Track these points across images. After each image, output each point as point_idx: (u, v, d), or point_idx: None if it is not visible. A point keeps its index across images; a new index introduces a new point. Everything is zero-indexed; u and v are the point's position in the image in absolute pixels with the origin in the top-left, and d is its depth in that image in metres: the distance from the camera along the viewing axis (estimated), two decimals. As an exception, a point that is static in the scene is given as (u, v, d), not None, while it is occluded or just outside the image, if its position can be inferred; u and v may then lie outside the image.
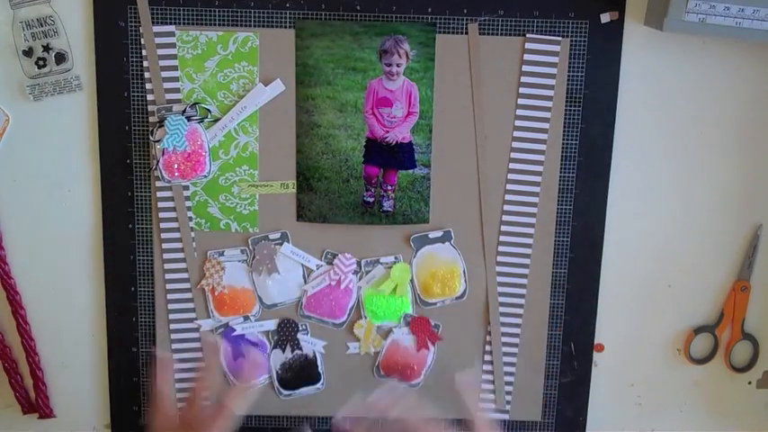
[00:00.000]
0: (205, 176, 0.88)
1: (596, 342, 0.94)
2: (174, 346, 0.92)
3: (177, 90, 0.86)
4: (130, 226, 0.89)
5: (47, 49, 0.84)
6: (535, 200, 0.89)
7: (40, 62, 0.84)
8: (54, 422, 0.94)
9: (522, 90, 0.86)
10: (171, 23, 0.84)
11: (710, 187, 0.90)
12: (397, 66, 0.85)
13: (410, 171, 0.88)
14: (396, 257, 0.91)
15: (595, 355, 0.94)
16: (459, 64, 0.85)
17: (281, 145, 0.87)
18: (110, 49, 0.85)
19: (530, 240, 0.90)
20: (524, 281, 0.91)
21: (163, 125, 0.86)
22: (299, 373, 0.93)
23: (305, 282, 0.91)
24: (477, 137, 0.87)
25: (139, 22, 0.84)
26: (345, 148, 0.87)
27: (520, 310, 0.92)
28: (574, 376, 0.94)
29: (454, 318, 0.92)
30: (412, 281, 0.91)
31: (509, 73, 0.86)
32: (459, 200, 0.89)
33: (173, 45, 0.85)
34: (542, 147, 0.88)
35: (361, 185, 0.88)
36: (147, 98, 0.86)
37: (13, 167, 0.88)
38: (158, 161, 0.87)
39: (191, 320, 0.92)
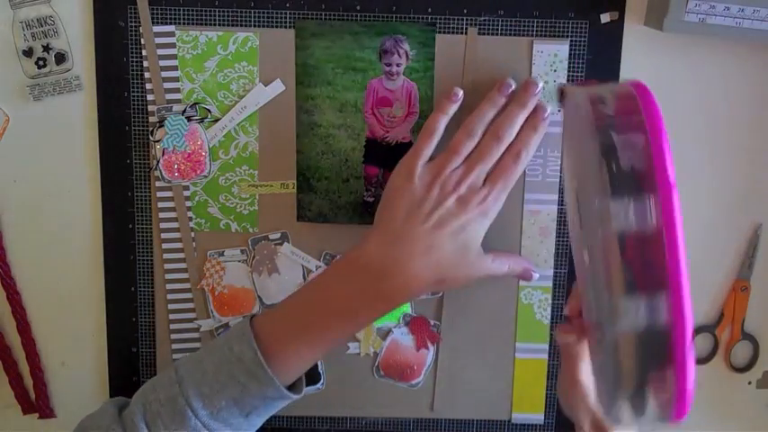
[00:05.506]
0: (205, 176, 0.88)
1: (596, 342, 0.94)
2: (174, 346, 0.92)
3: (177, 90, 0.86)
4: (130, 226, 0.89)
5: (47, 49, 0.84)
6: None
7: (40, 62, 0.84)
8: (54, 422, 0.94)
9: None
10: (171, 23, 0.84)
11: (710, 187, 0.90)
12: (397, 66, 0.85)
13: (410, 171, 0.88)
14: (396, 257, 0.91)
15: (595, 355, 0.94)
16: (458, 64, 0.85)
17: (281, 145, 0.87)
18: (110, 49, 0.85)
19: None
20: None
21: (163, 125, 0.86)
22: (299, 373, 0.93)
23: (305, 282, 0.91)
24: (477, 137, 0.87)
25: (139, 22, 0.84)
26: (345, 148, 0.87)
27: (520, 310, 0.92)
28: (574, 376, 0.94)
29: (454, 317, 0.92)
30: (412, 281, 0.91)
31: (508, 73, 0.86)
32: (459, 200, 0.89)
33: (173, 45, 0.85)
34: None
35: (362, 185, 0.88)
36: (147, 98, 0.86)
37: (13, 167, 0.88)
38: (158, 161, 0.87)
39: (191, 320, 0.92)
